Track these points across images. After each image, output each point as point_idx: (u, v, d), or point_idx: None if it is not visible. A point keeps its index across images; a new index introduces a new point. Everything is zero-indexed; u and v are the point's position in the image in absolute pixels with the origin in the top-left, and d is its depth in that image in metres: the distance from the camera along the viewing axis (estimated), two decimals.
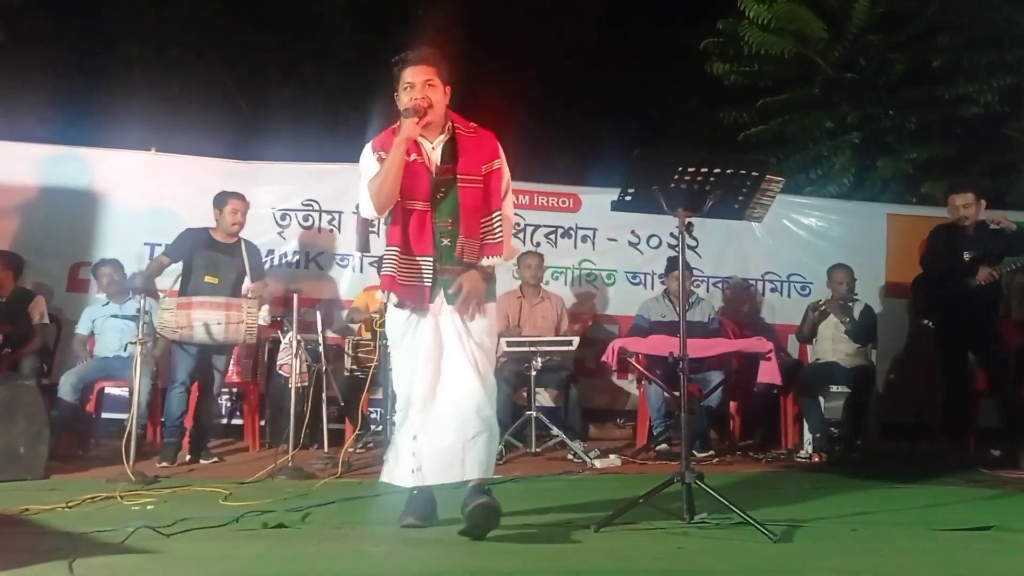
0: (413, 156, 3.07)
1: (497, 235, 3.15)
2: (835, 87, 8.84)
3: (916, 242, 6.35)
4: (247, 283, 5.27)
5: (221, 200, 5.28)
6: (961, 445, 5.54)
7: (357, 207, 2.82)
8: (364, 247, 3.21)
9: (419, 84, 3.07)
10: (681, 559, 2.74)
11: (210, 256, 5.19)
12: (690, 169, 3.24)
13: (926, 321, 5.69)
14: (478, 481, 3.00)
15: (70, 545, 2.76)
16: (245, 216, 5.31)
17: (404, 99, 3.08)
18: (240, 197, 5.32)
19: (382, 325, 5.02)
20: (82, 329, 5.61)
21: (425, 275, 3.07)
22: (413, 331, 3.09)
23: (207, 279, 5.12)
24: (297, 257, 6.44)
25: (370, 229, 5.97)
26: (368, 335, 5.45)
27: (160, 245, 5.66)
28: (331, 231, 6.49)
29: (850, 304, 5.98)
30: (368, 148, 3.15)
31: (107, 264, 5.64)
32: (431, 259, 3.07)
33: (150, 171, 6.28)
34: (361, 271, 6.41)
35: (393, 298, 3.10)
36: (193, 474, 4.74)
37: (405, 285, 3.07)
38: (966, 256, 5.38)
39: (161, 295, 5.22)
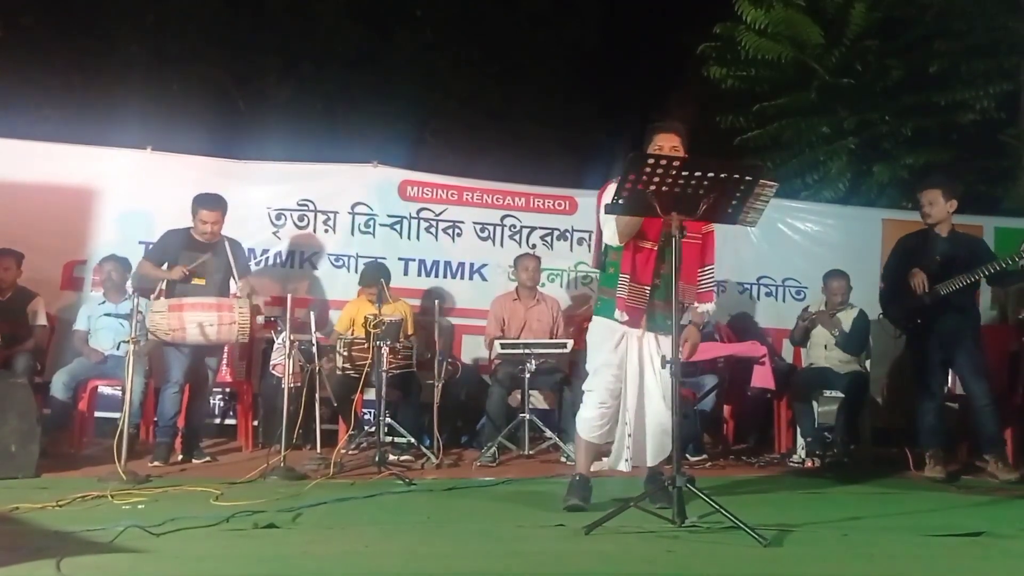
0: None
1: (710, 285, 3.83)
2: (832, 92, 8.84)
3: None
4: (233, 282, 5.25)
5: (193, 206, 5.17)
6: (947, 454, 5.32)
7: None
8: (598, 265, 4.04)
9: (667, 148, 3.67)
10: (671, 563, 2.74)
11: (195, 257, 5.14)
12: (683, 173, 3.24)
13: (900, 334, 5.36)
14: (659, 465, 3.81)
15: (59, 544, 2.75)
16: (218, 225, 5.17)
17: None
18: (213, 207, 5.13)
19: (376, 326, 5.05)
20: (81, 326, 5.60)
21: (644, 301, 3.70)
22: (618, 343, 3.74)
23: (195, 280, 5.10)
24: (291, 257, 6.43)
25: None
26: (362, 334, 5.44)
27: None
28: (326, 231, 6.47)
29: (842, 312, 5.93)
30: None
31: (111, 261, 5.62)
32: (648, 288, 3.69)
33: (146, 170, 6.27)
34: (356, 271, 6.41)
35: (622, 316, 3.72)
36: (185, 474, 4.73)
37: (630, 306, 3.71)
38: (938, 260, 5.10)
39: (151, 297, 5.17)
